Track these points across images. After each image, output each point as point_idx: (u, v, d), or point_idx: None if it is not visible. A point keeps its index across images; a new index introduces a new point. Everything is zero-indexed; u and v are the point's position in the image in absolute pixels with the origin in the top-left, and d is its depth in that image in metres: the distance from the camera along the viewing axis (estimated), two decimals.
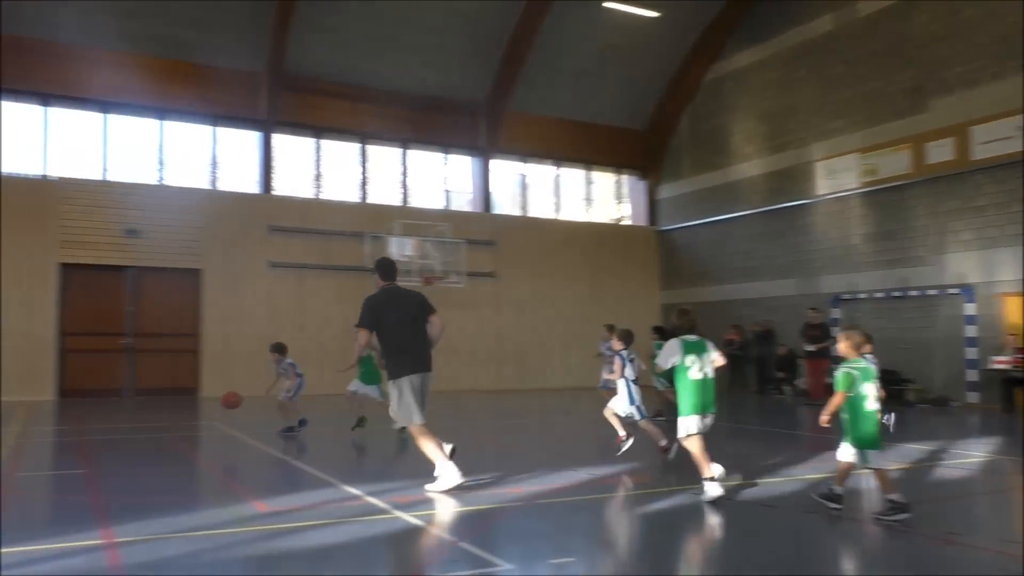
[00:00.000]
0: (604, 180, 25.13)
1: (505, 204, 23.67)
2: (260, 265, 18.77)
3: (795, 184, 19.92)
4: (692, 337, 6.81)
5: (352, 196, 21.24)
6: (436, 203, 22.42)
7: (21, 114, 17.61)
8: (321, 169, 21.50)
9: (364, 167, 21.47)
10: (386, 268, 7.64)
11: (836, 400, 5.95)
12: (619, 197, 25.23)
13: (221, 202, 18.74)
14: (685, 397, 6.70)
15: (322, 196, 21.03)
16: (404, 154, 21.71)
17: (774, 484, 7.37)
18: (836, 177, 18.79)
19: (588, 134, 23.33)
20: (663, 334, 11.26)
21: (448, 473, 6.82)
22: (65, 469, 8.72)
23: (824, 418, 6.05)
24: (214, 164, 19.63)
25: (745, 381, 20.27)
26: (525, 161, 23.06)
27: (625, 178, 24.98)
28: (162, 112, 18.64)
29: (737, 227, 21.51)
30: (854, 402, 5.92)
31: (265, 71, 19.03)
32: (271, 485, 7.75)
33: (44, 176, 17.28)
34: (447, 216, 20.83)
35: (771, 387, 19.46)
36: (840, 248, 18.82)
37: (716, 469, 6.65)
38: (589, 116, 23.17)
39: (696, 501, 6.52)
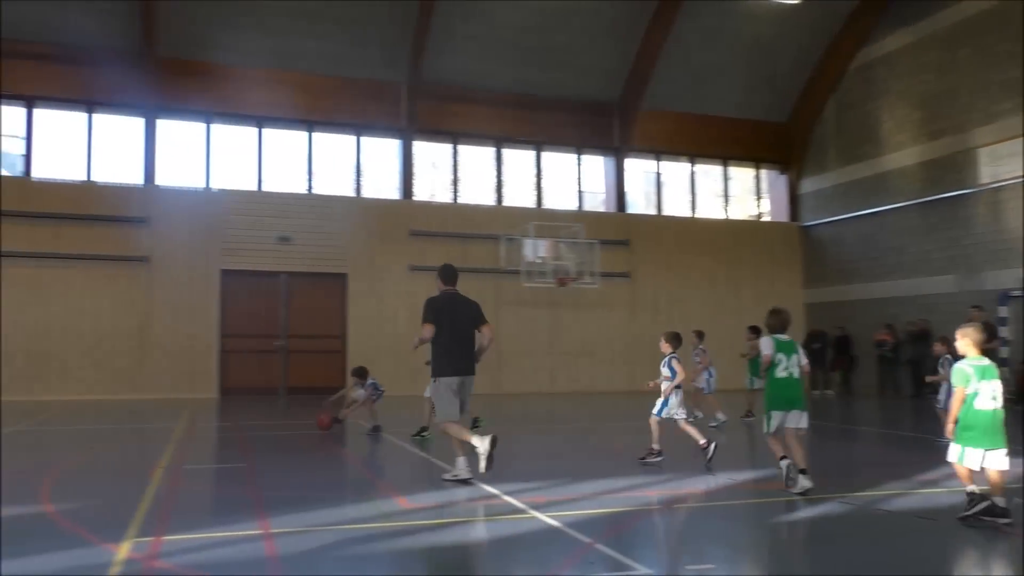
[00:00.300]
0: (742, 176, 24.40)
1: (639, 203, 23.41)
2: (401, 269, 19.41)
3: (954, 173, 18.60)
4: (783, 336, 7.08)
5: (488, 199, 21.61)
6: (570, 204, 22.45)
7: (185, 132, 19.03)
8: (458, 174, 22.02)
9: (499, 170, 21.79)
10: (448, 274, 8.31)
11: (956, 401, 5.65)
12: (758, 193, 24.42)
13: (365, 209, 19.52)
14: (769, 394, 7.00)
15: (460, 200, 21.52)
16: (538, 156, 21.87)
17: (932, 495, 6.91)
18: (1001, 163, 17.40)
19: (725, 128, 22.72)
20: (759, 334, 11.41)
21: (460, 466, 7.27)
22: (227, 463, 9.32)
23: (949, 427, 5.72)
24: (358, 172, 20.48)
25: (898, 385, 19.13)
26: (659, 159, 22.72)
27: (764, 173, 24.16)
28: (310, 124, 19.62)
29: (888, 220, 20.32)
30: (966, 400, 5.63)
31: (405, 81, 19.68)
32: (412, 482, 8.00)
33: (207, 188, 18.55)
34: (581, 216, 20.82)
35: (928, 391, 18.22)
36: (1006, 241, 17.41)
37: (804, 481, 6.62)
38: (726, 110, 22.56)
39: (844, 510, 6.21)
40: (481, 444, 7.00)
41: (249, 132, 19.34)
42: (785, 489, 6.81)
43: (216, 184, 18.71)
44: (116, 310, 17.42)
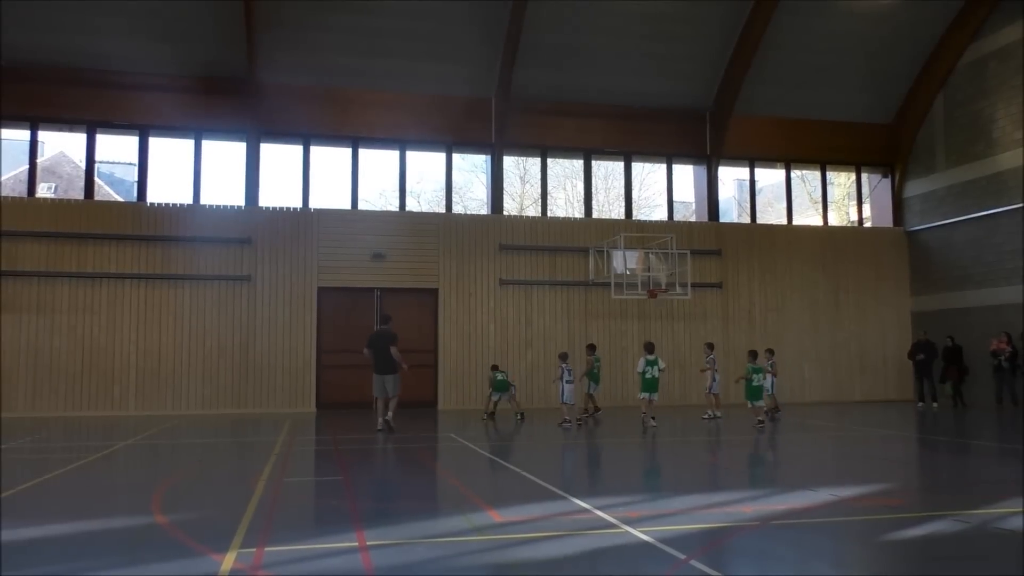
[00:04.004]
0: (842, 180, 23.60)
1: (732, 211, 22.93)
2: (491, 283, 19.59)
3: None
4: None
5: (577, 211, 21.58)
6: (660, 214, 22.19)
7: (285, 154, 19.78)
8: (547, 187, 22.10)
9: (588, 182, 21.75)
10: (383, 319, 14.72)
11: None
12: (860, 197, 23.57)
13: (455, 224, 19.80)
14: None
15: (549, 213, 21.58)
16: (628, 166, 21.72)
17: None
18: None
19: (823, 132, 22.06)
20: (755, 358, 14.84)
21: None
22: (324, 475, 9.57)
23: None
24: (448, 188, 20.81)
25: (1016, 396, 18.06)
26: (753, 165, 22.21)
27: (866, 177, 23.30)
28: (402, 143, 20.07)
29: (1005, 223, 19.26)
30: None
31: (495, 95, 19.92)
32: (504, 495, 8.04)
33: (305, 208, 19.22)
34: (671, 227, 20.52)
35: None
36: None
37: None
38: (823, 113, 21.90)
39: (958, 528, 5.90)
40: (380, 413, 13.42)
41: (343, 153, 19.92)
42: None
43: (314, 204, 19.33)
44: (221, 328, 18.18)
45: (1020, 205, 18.73)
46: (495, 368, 16.64)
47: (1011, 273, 19.06)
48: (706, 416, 15.79)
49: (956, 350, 19.65)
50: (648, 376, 14.49)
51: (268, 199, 19.55)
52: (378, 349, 13.74)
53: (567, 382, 14.62)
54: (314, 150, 19.69)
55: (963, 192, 20.44)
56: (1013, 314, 18.69)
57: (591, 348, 16.78)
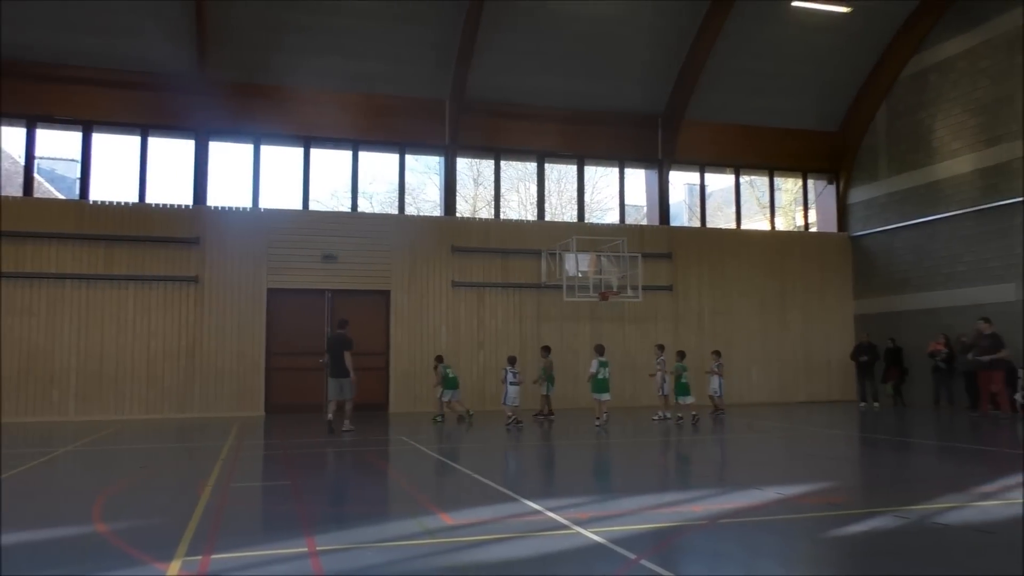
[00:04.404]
0: (789, 186, 24.09)
1: (683, 215, 23.24)
2: (443, 284, 19.53)
3: (1011, 180, 18.14)
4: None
5: (530, 214, 21.65)
6: (613, 217, 22.37)
7: (235, 153, 19.47)
8: (500, 189, 22.11)
9: (541, 185, 21.82)
10: (340, 324, 14.78)
11: None
12: (806, 203, 24.08)
13: (408, 226, 19.69)
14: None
15: (502, 216, 21.59)
16: (581, 169, 21.83)
17: (990, 508, 6.71)
18: None
19: (771, 139, 22.49)
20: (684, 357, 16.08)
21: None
22: (273, 480, 9.45)
23: None
24: (401, 190, 20.69)
25: (953, 397, 18.63)
26: (703, 170, 22.53)
27: (813, 183, 23.81)
28: (355, 144, 19.88)
29: (942, 229, 19.87)
30: None
31: (449, 97, 19.87)
32: (455, 498, 8.02)
33: (255, 208, 18.92)
34: (623, 230, 20.74)
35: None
36: None
37: None
38: (772, 120, 22.32)
39: (898, 524, 6.06)
40: (329, 412, 13.96)
41: (295, 152, 19.68)
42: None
43: (264, 204, 19.05)
44: (167, 330, 17.80)
45: (958, 212, 19.34)
46: (440, 360, 16.52)
47: (947, 278, 19.67)
48: (656, 417, 16.01)
49: (897, 351, 20.21)
50: (600, 377, 14.99)
51: (217, 198, 19.25)
52: (333, 353, 14.12)
53: (511, 384, 14.73)
54: (264, 149, 19.40)
55: (904, 199, 21.03)
56: (949, 317, 19.29)
57: (546, 350, 16.86)
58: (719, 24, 19.83)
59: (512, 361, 15.42)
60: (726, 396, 17.79)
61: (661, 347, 16.86)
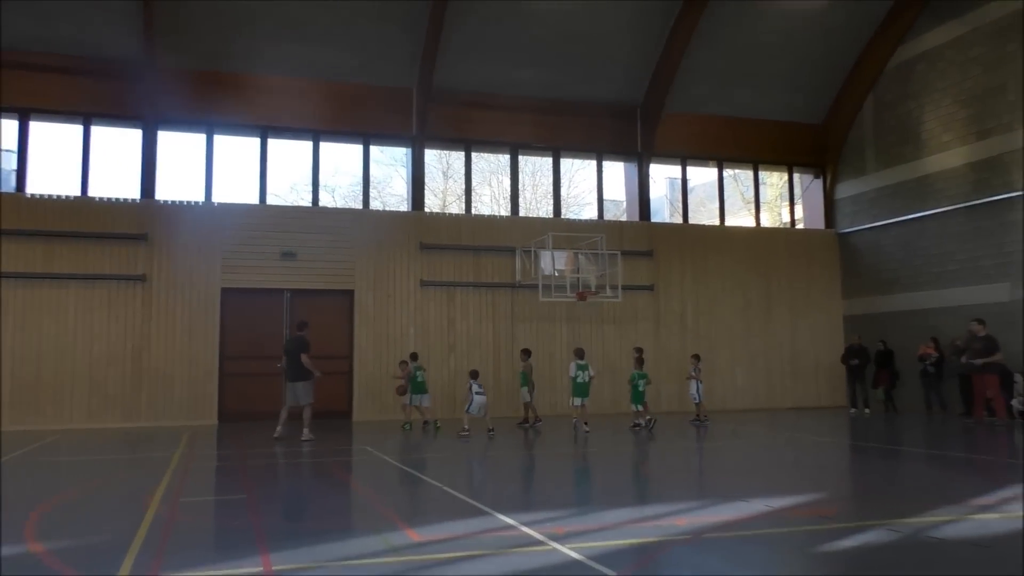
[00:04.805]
0: (774, 181, 24.24)
1: (664, 211, 23.30)
2: (411, 284, 19.39)
3: (1004, 175, 18.37)
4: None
5: (503, 209, 21.59)
6: (590, 212, 22.37)
7: (184, 143, 19.18)
8: (472, 183, 22.01)
9: (515, 179, 21.75)
10: (300, 325, 14.94)
11: None
12: (792, 198, 24.25)
13: (372, 221, 19.52)
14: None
15: (473, 211, 21.50)
16: (556, 162, 21.80)
17: (987, 521, 6.73)
18: None
19: (755, 131, 22.60)
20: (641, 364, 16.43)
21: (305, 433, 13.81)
22: (226, 493, 9.29)
23: None
24: (366, 183, 20.51)
25: (945, 402, 18.82)
26: (685, 164, 22.59)
27: (799, 177, 23.99)
28: (316, 134, 19.68)
29: (932, 226, 20.08)
30: None
31: (416, 86, 19.72)
32: (423, 512, 7.91)
33: (208, 202, 18.65)
34: (602, 226, 20.72)
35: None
36: None
37: None
38: (756, 111, 22.44)
39: (891, 538, 6.05)
40: (280, 425, 14.29)
41: (252, 143, 19.44)
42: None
43: (218, 198, 18.79)
44: (112, 332, 17.49)
45: (948, 208, 19.56)
46: (414, 358, 16.54)
47: (936, 277, 19.88)
48: (636, 425, 16.04)
49: (888, 354, 20.38)
50: (580, 381, 15.17)
51: (167, 192, 18.97)
52: (290, 356, 14.23)
53: (477, 394, 14.77)
54: (218, 139, 19.13)
55: (892, 194, 21.23)
56: (939, 318, 19.49)
57: (526, 353, 16.81)
58: (698, 13, 19.86)
59: (474, 375, 15.30)
60: (708, 402, 17.86)
61: (697, 357, 17.61)
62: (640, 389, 15.95)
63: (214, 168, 18.95)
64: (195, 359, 17.85)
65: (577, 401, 15.19)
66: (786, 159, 23.40)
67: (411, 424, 16.16)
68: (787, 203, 24.45)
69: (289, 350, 14.31)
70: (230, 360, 18.16)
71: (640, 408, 15.92)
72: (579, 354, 15.62)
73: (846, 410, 20.43)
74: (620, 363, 19.94)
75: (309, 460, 11.86)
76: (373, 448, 13.05)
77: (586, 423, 15.06)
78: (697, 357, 17.57)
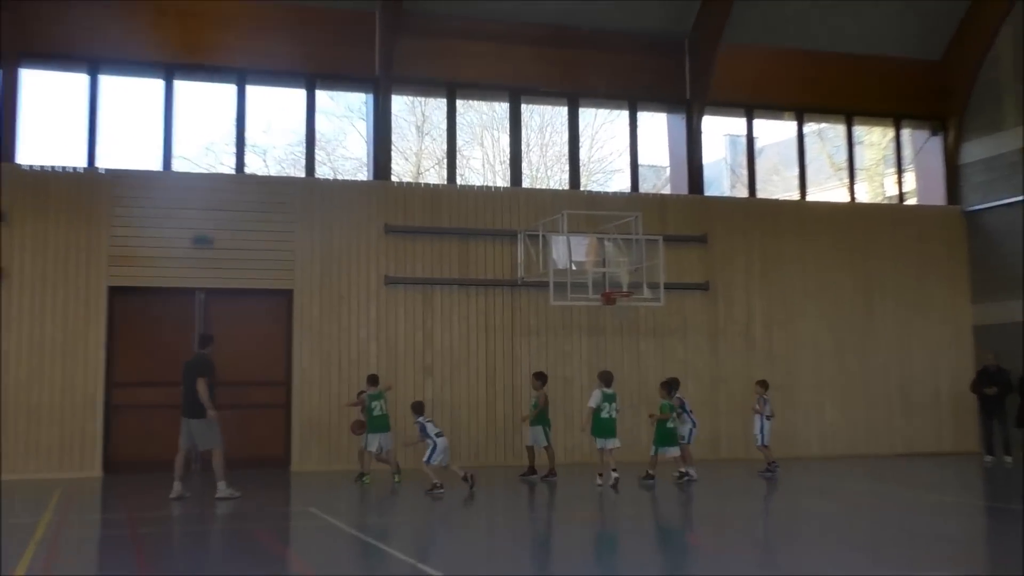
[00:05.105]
0: (876, 139, 24.10)
1: (722, 180, 23.17)
2: (372, 281, 19.25)
3: None
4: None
5: (500, 178, 21.45)
6: (621, 183, 22.23)
7: (57, 85, 19.04)
8: (456, 142, 21.83)
9: (517, 136, 21.57)
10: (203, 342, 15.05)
11: None
12: (899, 163, 24.10)
13: (320, 195, 19.37)
14: None
15: (459, 181, 21.32)
16: (574, 114, 21.66)
17: None
18: None
19: (848, 70, 22.49)
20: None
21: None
22: (113, 572, 9.16)
23: None
24: (310, 141, 20.37)
25: None
26: (752, 115, 22.46)
27: (909, 134, 23.87)
28: (241, 74, 19.53)
29: None
30: None
31: (380, 8, 19.60)
32: None
33: (91, 168, 18.48)
34: (636, 201, 20.58)
35: None
36: None
37: None
38: (849, 43, 22.36)
39: None
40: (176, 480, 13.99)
41: (152, 86, 19.34)
42: None
43: (104, 162, 18.64)
44: None
45: None
46: (372, 382, 16.43)
47: None
48: (679, 475, 16.02)
49: None
50: (605, 416, 15.11)
51: (31, 155, 18.79)
52: (186, 383, 14.22)
53: (437, 435, 14.66)
54: (105, 82, 19.08)
55: None
56: None
57: (540, 378, 16.71)
58: None
59: (418, 409, 15.13)
60: (786, 446, 17.71)
61: (764, 384, 17.65)
62: (670, 426, 15.86)
63: (99, 121, 18.85)
64: (70, 386, 17.70)
65: (603, 442, 15.13)
66: (892, 108, 23.28)
67: (369, 476, 16.00)
68: (893, 169, 24.29)
69: (185, 374, 14.26)
70: (120, 388, 18.05)
71: (658, 454, 15.77)
72: (606, 379, 15.58)
73: (978, 457, 20.28)
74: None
75: (230, 527, 11.71)
76: (319, 509, 12.91)
77: (615, 470, 14.89)
78: (764, 384, 17.55)
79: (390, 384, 17.39)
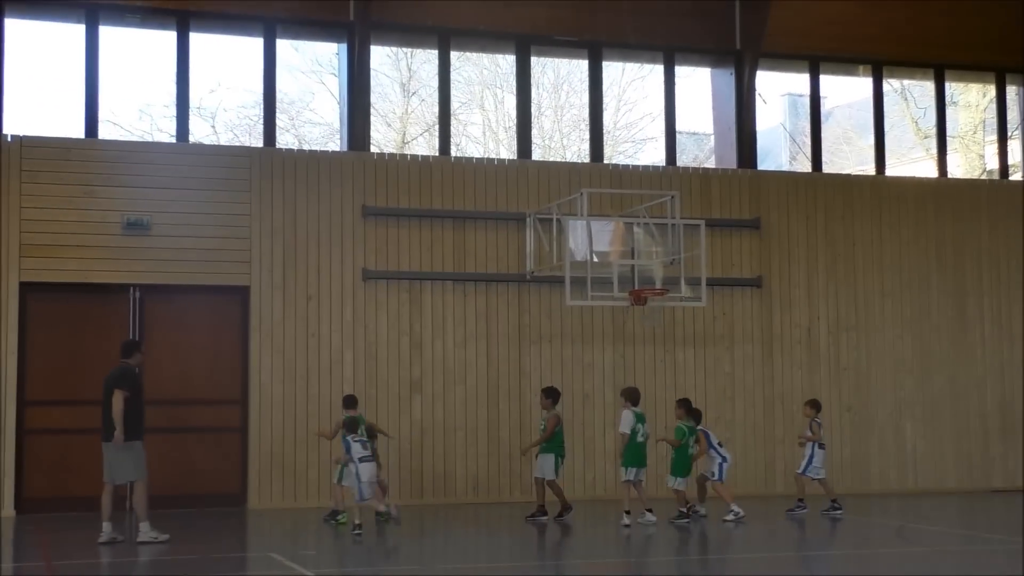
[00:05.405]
0: (972, 99, 24.16)
1: (779, 151, 23.28)
2: (347, 275, 19.35)
3: None
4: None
5: (505, 149, 21.54)
6: (654, 155, 22.34)
7: None
8: (451, 104, 21.94)
9: (527, 95, 21.67)
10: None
11: None
12: (1004, 128, 24.12)
13: (282, 168, 19.43)
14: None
15: (455, 152, 21.45)
16: (596, 68, 21.75)
17: None
18: None
19: (935, 11, 22.48)
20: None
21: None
22: None
23: None
24: (269, 102, 20.46)
25: None
26: (817, 71, 22.53)
27: (1015, 92, 23.91)
28: (183, 17, 19.60)
29: None
30: None
31: None
32: None
33: None
34: (673, 178, 20.67)
35: None
36: None
37: None
38: None
39: None
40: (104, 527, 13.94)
41: (71, 32, 19.44)
42: None
43: (11, 127, 18.77)
44: None
45: None
46: (349, 404, 16.49)
47: None
48: (730, 516, 16.23)
49: None
50: (640, 440, 15.50)
51: None
52: (104, 401, 14.38)
53: (360, 460, 14.80)
54: (11, 26, 19.14)
55: None
56: None
57: (550, 395, 16.83)
58: None
59: (351, 426, 15.35)
60: (855, 480, 17.81)
61: (815, 404, 17.91)
62: (691, 452, 16.24)
63: (3, 78, 18.96)
64: None
65: (632, 471, 15.45)
66: (994, 61, 23.29)
67: (345, 515, 16.11)
68: (995, 136, 24.36)
69: (104, 391, 14.46)
70: (37, 408, 18.14)
71: (677, 485, 16.20)
72: (633, 398, 15.91)
73: None
74: (705, 416, 19.85)
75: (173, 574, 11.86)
76: (282, 555, 13.02)
77: (649, 511, 15.30)
78: (815, 405, 17.78)
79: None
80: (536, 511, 16.71)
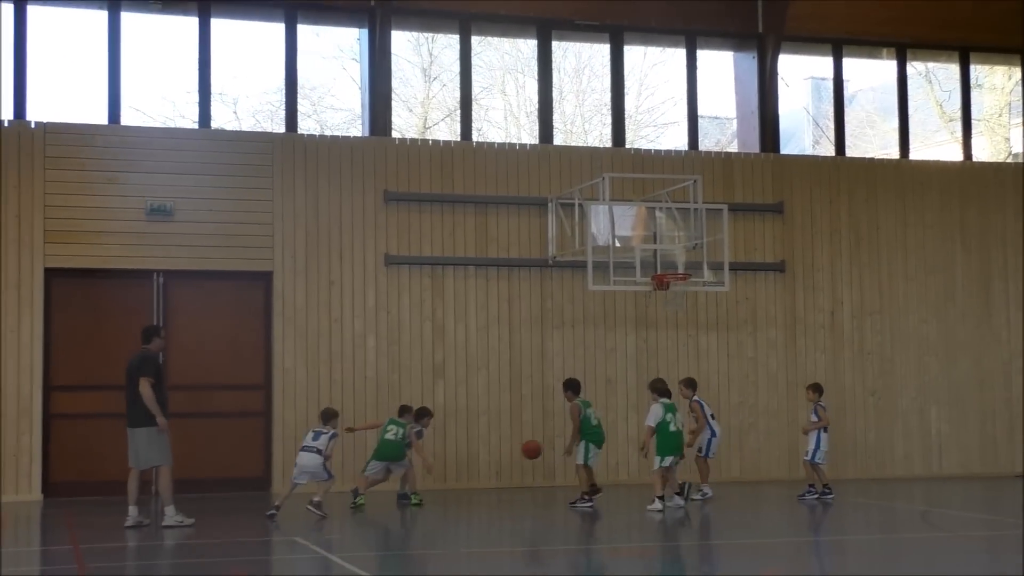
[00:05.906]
0: (998, 81, 24.08)
1: (803, 135, 23.23)
2: (370, 261, 19.40)
3: None
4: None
5: (527, 134, 21.55)
6: (676, 139, 22.33)
7: None
8: (471, 88, 21.95)
9: (548, 80, 21.68)
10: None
11: None
12: None
13: (304, 154, 19.46)
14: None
15: (476, 137, 21.46)
16: (617, 52, 21.73)
17: None
18: None
19: None
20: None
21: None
22: None
23: None
24: (291, 88, 20.52)
25: None
26: (840, 53, 22.47)
27: None
28: (206, 4, 19.64)
29: None
30: None
31: None
32: None
33: (17, 120, 18.67)
34: (695, 162, 20.67)
35: None
36: None
37: None
38: None
39: None
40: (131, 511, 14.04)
41: (94, 19, 19.49)
42: None
43: (36, 114, 18.84)
44: None
45: None
46: (409, 413, 16.82)
47: None
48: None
49: None
50: (673, 430, 15.75)
51: None
52: (128, 387, 14.41)
53: (305, 449, 15.20)
54: (34, 13, 19.17)
55: None
56: None
57: (572, 387, 16.85)
58: None
59: (328, 417, 15.79)
60: (882, 462, 17.77)
61: (818, 388, 17.94)
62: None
63: (28, 62, 19.02)
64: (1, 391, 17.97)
65: (669, 459, 15.62)
66: (1019, 43, 23.15)
67: (363, 497, 16.19)
68: (1020, 119, 24.27)
69: (128, 376, 14.48)
70: (62, 393, 18.24)
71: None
72: (660, 390, 16.12)
73: None
74: (724, 399, 19.94)
75: (198, 561, 11.88)
76: (306, 539, 13.11)
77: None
78: (817, 389, 17.87)
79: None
80: (581, 496, 16.78)
